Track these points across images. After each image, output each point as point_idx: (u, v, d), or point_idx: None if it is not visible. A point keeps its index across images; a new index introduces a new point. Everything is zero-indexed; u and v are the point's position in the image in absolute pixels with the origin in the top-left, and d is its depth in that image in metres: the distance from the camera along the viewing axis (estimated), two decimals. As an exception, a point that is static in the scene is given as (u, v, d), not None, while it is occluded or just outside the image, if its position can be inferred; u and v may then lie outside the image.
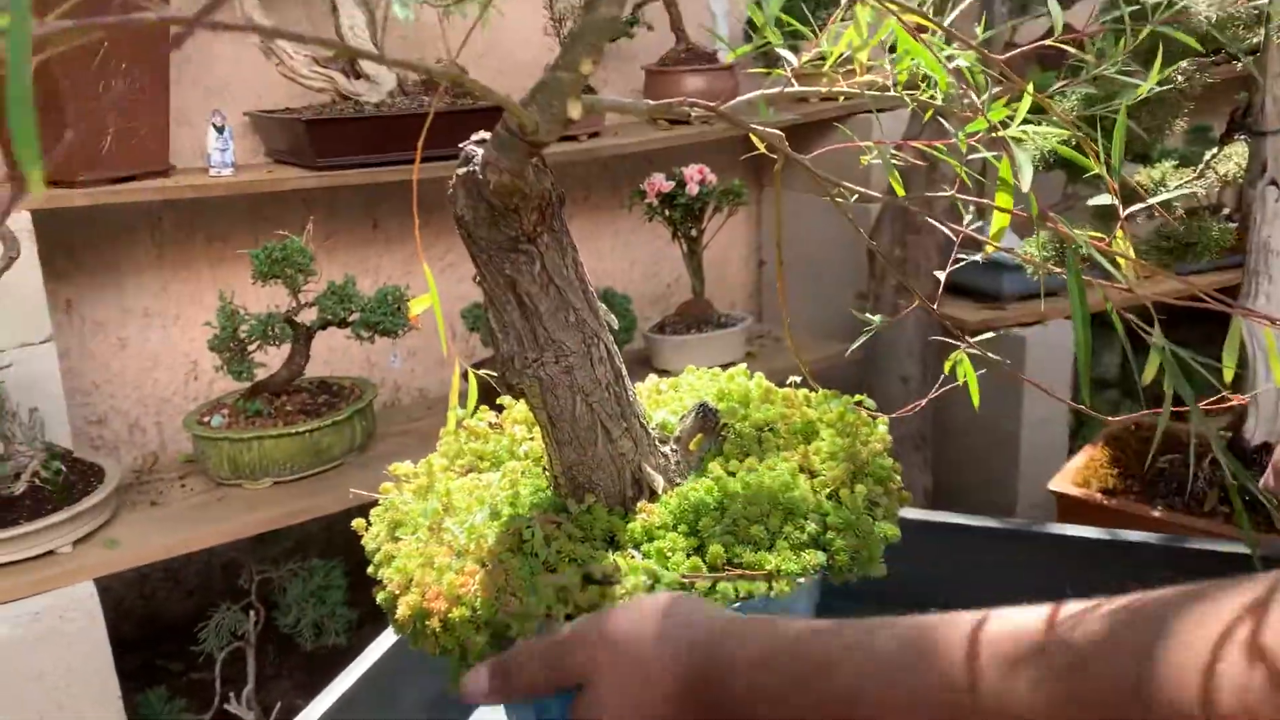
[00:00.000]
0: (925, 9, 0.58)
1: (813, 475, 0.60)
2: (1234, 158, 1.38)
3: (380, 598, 0.58)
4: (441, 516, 0.60)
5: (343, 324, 1.62)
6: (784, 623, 0.47)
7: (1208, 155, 1.41)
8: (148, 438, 2.16)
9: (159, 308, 2.12)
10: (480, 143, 0.55)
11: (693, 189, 1.86)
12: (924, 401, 0.75)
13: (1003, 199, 0.53)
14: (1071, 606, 0.38)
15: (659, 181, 1.87)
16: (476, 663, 0.52)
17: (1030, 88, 0.53)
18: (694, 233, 1.93)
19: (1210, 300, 0.56)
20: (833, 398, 0.68)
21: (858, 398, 0.69)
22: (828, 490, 0.59)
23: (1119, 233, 0.53)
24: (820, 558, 0.55)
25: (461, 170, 0.55)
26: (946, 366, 0.69)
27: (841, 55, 0.56)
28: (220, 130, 1.86)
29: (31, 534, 1.41)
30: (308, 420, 1.62)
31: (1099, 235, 0.52)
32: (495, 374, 0.62)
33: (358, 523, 0.63)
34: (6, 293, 1.56)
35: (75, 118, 1.72)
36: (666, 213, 1.89)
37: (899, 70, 0.58)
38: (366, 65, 2.00)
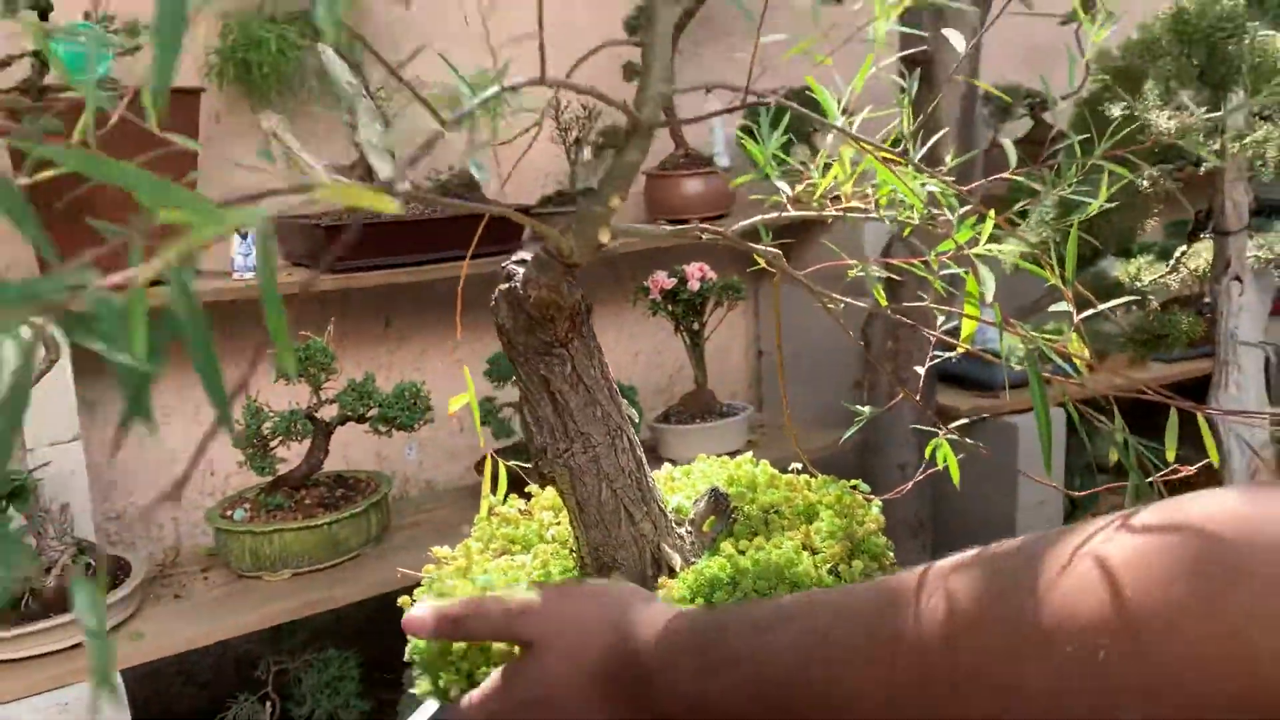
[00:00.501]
0: (903, 144, 0.67)
1: (814, 552, 0.67)
2: (1202, 253, 1.48)
3: (419, 685, 0.64)
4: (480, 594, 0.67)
5: (361, 419, 1.70)
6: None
7: (1178, 252, 1.50)
8: (164, 533, 2.21)
9: (178, 406, 2.20)
10: (520, 262, 0.63)
11: (694, 285, 1.95)
12: (909, 485, 0.82)
13: (970, 308, 0.61)
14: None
15: (662, 279, 1.97)
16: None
17: (992, 213, 0.62)
18: (696, 326, 2.02)
19: (1161, 395, 0.63)
20: (831, 482, 0.75)
21: (853, 482, 0.77)
22: (828, 566, 0.66)
23: (1073, 335, 0.61)
24: (823, 625, 0.62)
25: (504, 286, 0.63)
26: (927, 452, 0.76)
27: (830, 186, 0.65)
28: (244, 237, 1.96)
29: (61, 627, 1.46)
30: (326, 513, 1.68)
31: (1055, 335, 0.60)
32: (525, 464, 0.69)
33: (404, 600, 0.69)
34: (39, 392, 1.64)
35: (110, 218, 1.82)
36: (669, 308, 1.98)
37: (880, 195, 0.67)
38: (381, 171, 2.11)
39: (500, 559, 0.72)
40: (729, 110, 0.67)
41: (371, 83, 2.11)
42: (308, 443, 1.71)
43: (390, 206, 0.33)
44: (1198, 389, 1.55)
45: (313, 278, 2.00)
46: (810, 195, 0.67)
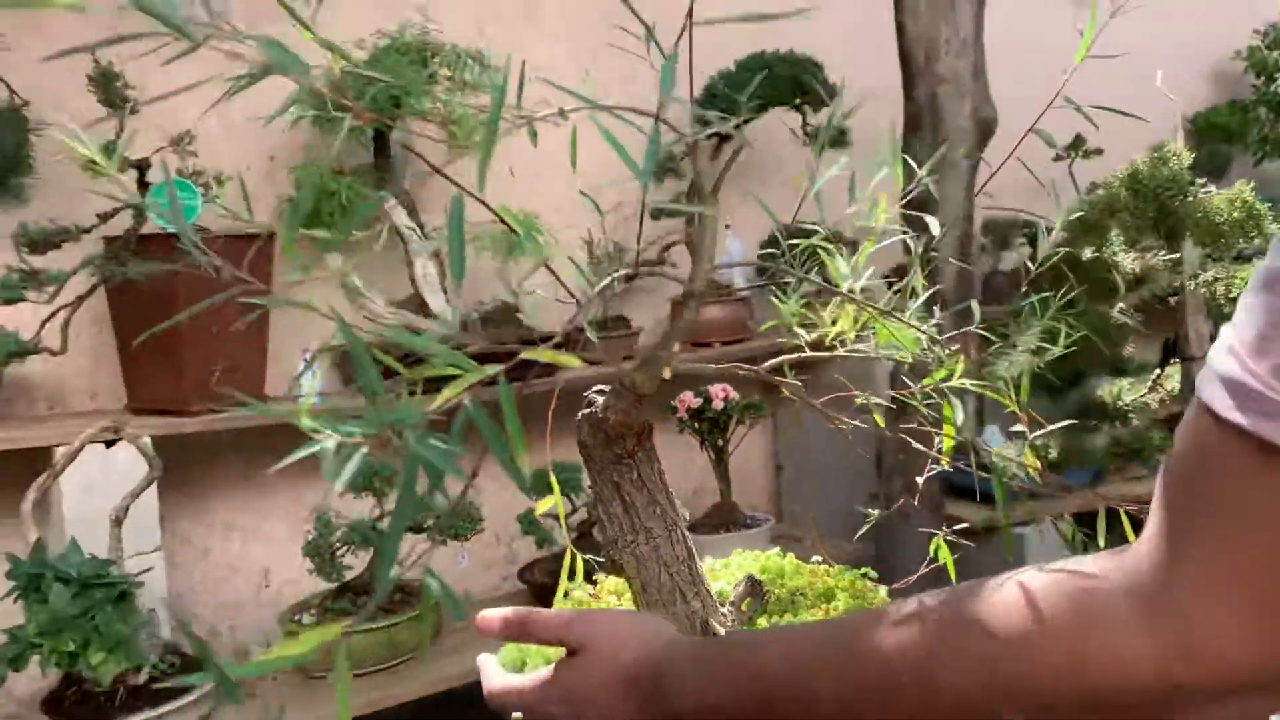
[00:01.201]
0: (904, 288, 0.86)
1: (832, 622, 0.84)
2: (1174, 376, 1.66)
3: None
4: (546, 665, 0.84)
5: (419, 530, 1.87)
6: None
7: (1152, 375, 1.69)
8: (221, 642, 2.36)
9: (240, 522, 2.37)
10: (600, 392, 0.82)
11: (718, 404, 2.14)
12: (915, 577, 0.99)
13: (948, 429, 0.80)
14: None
15: (689, 398, 2.16)
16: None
17: (961, 359, 0.81)
18: (720, 443, 2.20)
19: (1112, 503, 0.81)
20: (846, 570, 0.92)
21: (863, 570, 0.94)
22: (843, 633, 0.83)
23: (1028, 454, 0.79)
24: (840, 678, 0.78)
25: (586, 410, 0.82)
26: (931, 549, 0.93)
27: (839, 333, 0.84)
28: (309, 364, 2.17)
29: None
30: (387, 617, 1.84)
31: (1010, 456, 0.78)
32: (600, 557, 0.87)
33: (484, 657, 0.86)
34: (136, 510, 1.82)
35: (191, 358, 2.03)
36: (695, 425, 2.17)
37: (879, 339, 0.86)
38: (434, 304, 2.33)
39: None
40: (764, 266, 0.86)
41: (428, 226, 2.35)
42: (371, 552, 1.88)
43: (573, 361, 0.52)
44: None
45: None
46: (823, 338, 0.86)
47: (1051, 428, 0.82)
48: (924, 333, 0.81)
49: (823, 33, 2.80)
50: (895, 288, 0.89)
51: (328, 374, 2.34)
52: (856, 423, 0.87)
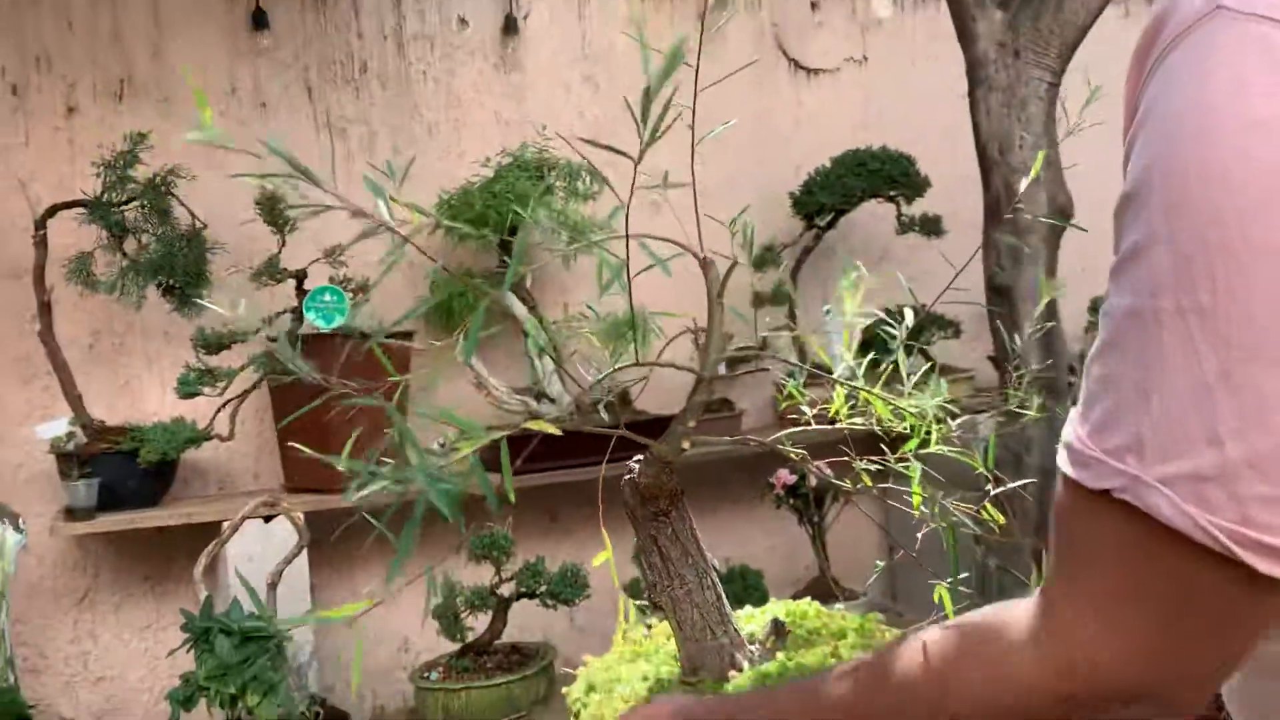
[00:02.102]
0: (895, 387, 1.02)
1: (838, 657, 0.98)
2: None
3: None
4: (614, 682, 1.01)
5: (532, 595, 2.06)
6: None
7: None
8: (365, 704, 2.60)
9: (381, 593, 2.62)
10: (637, 461, 1.00)
11: (812, 481, 2.28)
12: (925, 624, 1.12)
13: (916, 489, 0.94)
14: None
15: (785, 475, 2.30)
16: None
17: (936, 427, 0.95)
18: (816, 518, 2.32)
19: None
20: (859, 615, 1.07)
21: (873, 615, 1.08)
22: (847, 665, 0.97)
23: (986, 505, 0.92)
24: (837, 701, 0.93)
25: (627, 476, 1.00)
26: (935, 595, 1.06)
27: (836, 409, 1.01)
28: (441, 447, 2.41)
29: (299, 761, 1.84)
30: (505, 675, 2.03)
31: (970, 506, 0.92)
32: (644, 600, 1.04)
33: (566, 689, 1.04)
34: (287, 575, 2.08)
35: (338, 442, 2.30)
36: (791, 501, 2.30)
37: (878, 415, 1.02)
38: (551, 390, 2.56)
39: (633, 663, 1.06)
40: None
41: (545, 319, 2.59)
42: (489, 615, 2.08)
43: (553, 429, 0.71)
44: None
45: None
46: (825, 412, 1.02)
47: (1013, 485, 0.95)
48: (903, 408, 0.96)
49: (914, 129, 2.97)
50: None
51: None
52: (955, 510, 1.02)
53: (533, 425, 0.75)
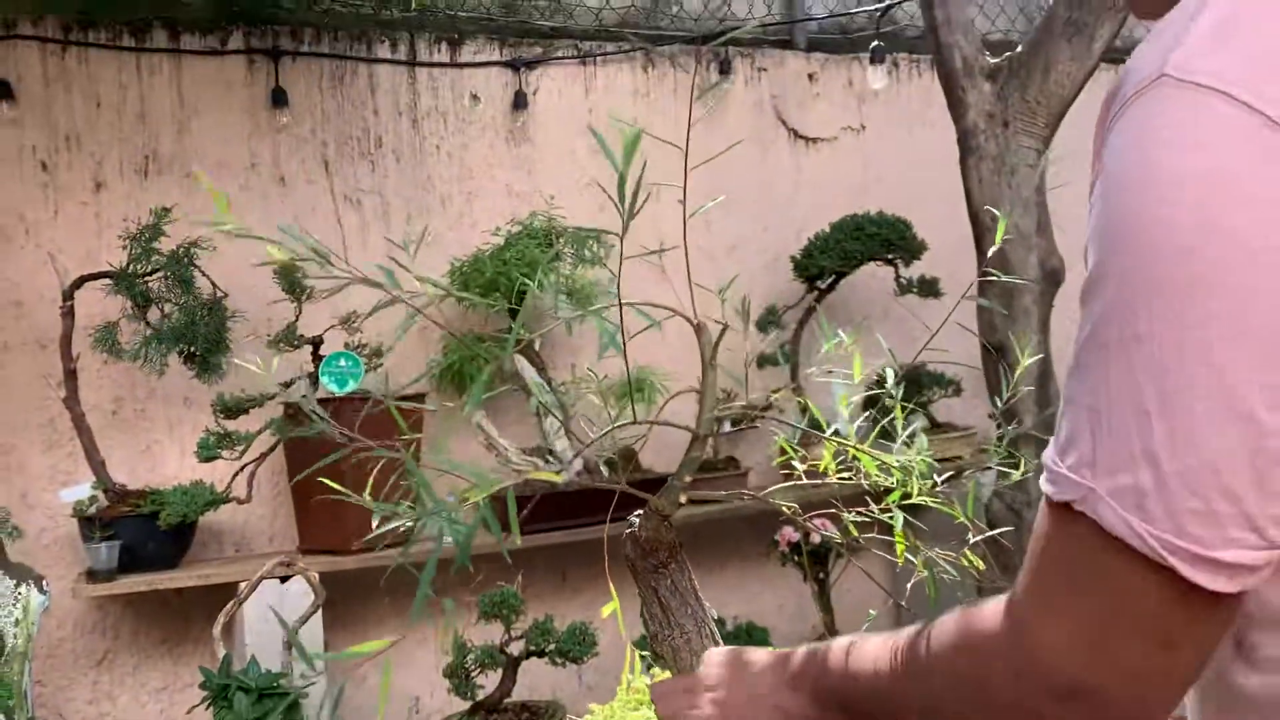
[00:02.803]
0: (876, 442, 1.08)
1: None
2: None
3: None
4: (618, 728, 1.06)
5: (541, 654, 2.10)
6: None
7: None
8: (377, 759, 2.62)
9: (394, 653, 2.65)
10: (638, 516, 1.06)
11: (816, 538, 2.32)
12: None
13: (900, 538, 1.00)
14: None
15: (788, 533, 2.35)
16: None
17: (918, 484, 1.01)
18: (821, 575, 2.36)
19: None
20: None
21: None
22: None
23: (966, 551, 0.98)
24: None
25: (629, 530, 1.06)
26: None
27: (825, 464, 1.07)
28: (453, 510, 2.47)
29: (312, 818, 1.87)
30: (515, 732, 2.06)
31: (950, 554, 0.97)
32: (646, 649, 1.09)
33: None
34: (303, 634, 2.13)
35: (352, 505, 2.36)
36: (796, 558, 2.34)
37: (867, 470, 1.08)
38: (558, 449, 2.62)
39: (634, 712, 1.11)
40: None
41: (554, 380, 2.66)
42: (499, 674, 2.11)
43: (555, 478, 0.77)
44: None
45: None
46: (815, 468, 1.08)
47: (988, 533, 1.00)
48: (889, 463, 1.02)
49: (911, 194, 3.06)
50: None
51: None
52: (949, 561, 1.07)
53: (536, 476, 0.81)
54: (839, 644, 0.81)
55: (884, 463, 1.04)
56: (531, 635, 2.09)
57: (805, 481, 1.10)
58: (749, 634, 2.29)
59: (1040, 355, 2.26)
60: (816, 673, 0.82)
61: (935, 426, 2.85)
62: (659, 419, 1.02)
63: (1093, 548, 0.57)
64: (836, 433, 1.06)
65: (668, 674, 1.19)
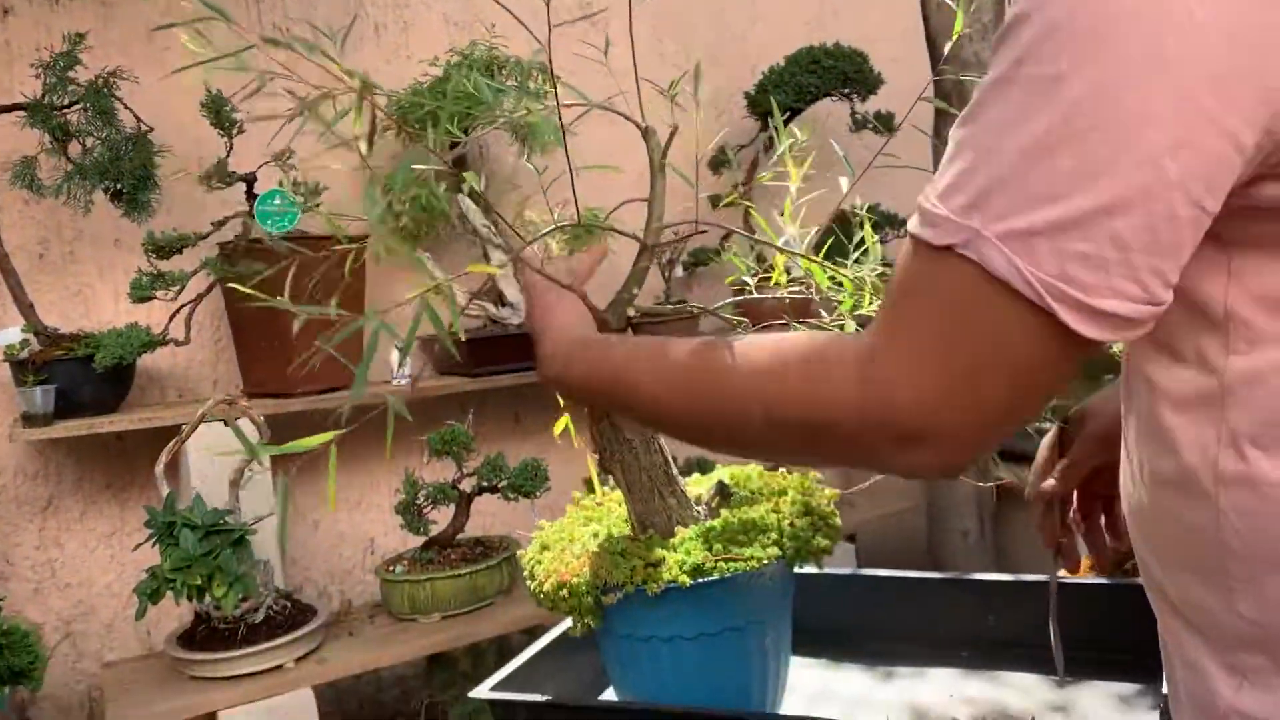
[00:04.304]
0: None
1: (778, 513, 1.03)
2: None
3: (532, 587, 1.02)
4: (567, 542, 1.05)
5: (494, 490, 2.10)
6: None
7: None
8: (333, 604, 2.65)
9: (344, 496, 2.65)
10: (583, 332, 1.03)
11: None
12: (855, 490, 1.17)
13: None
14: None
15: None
16: (589, 610, 0.96)
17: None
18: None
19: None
20: (799, 474, 1.12)
21: (812, 474, 1.12)
22: (787, 521, 1.02)
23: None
24: (777, 552, 0.97)
25: (574, 346, 1.03)
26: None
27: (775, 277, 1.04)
28: (401, 351, 2.43)
29: (268, 651, 1.88)
30: (468, 566, 2.08)
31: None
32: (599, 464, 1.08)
33: (520, 552, 1.08)
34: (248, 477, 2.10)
35: (296, 347, 2.31)
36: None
37: (819, 284, 1.05)
38: (509, 294, 2.58)
39: (584, 526, 1.10)
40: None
41: (501, 224, 2.59)
42: (453, 510, 2.12)
43: (494, 270, 0.73)
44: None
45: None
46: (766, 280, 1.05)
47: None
48: (843, 275, 0.99)
49: (867, 25, 2.96)
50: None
51: (418, 359, 2.60)
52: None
53: (474, 269, 0.77)
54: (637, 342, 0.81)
55: (836, 275, 1.01)
56: (483, 472, 2.09)
57: (756, 296, 1.07)
58: (699, 466, 2.31)
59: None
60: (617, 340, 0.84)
61: (889, 266, 2.83)
62: (608, 228, 0.97)
63: (970, 292, 0.55)
64: (788, 243, 1.03)
65: (617, 493, 1.18)
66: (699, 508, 1.08)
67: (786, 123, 2.89)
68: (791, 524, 1.01)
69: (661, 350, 0.75)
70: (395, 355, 2.43)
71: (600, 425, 1.04)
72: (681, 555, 0.97)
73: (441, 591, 2.05)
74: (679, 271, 2.89)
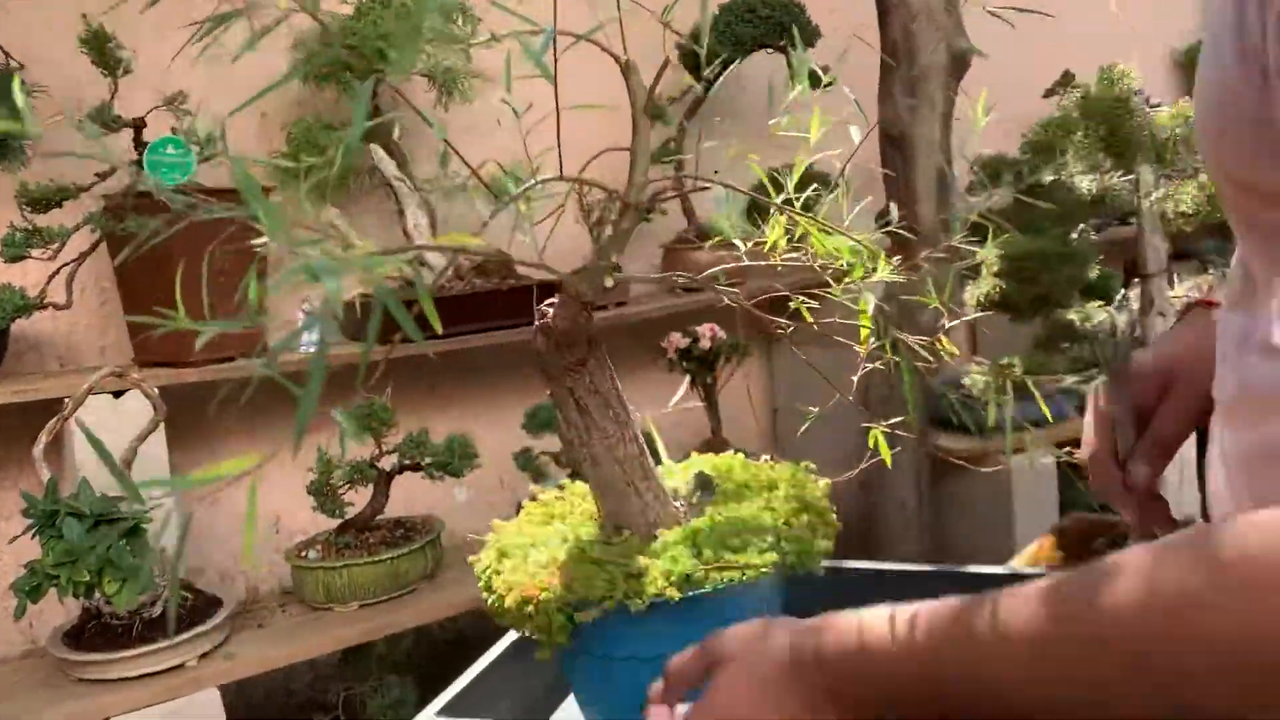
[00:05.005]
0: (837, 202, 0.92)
1: (771, 511, 0.91)
2: (1139, 297, 1.71)
3: (491, 601, 0.88)
4: (529, 547, 0.91)
5: (417, 468, 1.94)
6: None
7: (1118, 296, 1.74)
8: (236, 585, 2.45)
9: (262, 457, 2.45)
10: (550, 305, 0.88)
11: (705, 344, 2.21)
12: (849, 475, 1.06)
13: (864, 318, 0.86)
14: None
15: (677, 338, 2.22)
16: (560, 629, 0.82)
17: (883, 256, 0.87)
18: (709, 381, 2.26)
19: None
20: (788, 465, 0.99)
21: (805, 463, 1.00)
22: (782, 519, 0.89)
23: (942, 338, 0.85)
24: (774, 557, 0.85)
25: (540, 321, 0.88)
26: (871, 440, 0.99)
27: (777, 241, 0.90)
28: (307, 314, 2.24)
29: (167, 649, 1.70)
30: (388, 550, 1.92)
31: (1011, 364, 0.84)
32: (558, 455, 0.94)
33: (472, 559, 0.94)
34: (141, 452, 1.90)
35: (191, 310, 2.10)
36: (684, 365, 2.23)
37: (817, 249, 0.92)
38: (427, 255, 2.40)
39: (544, 527, 0.96)
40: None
41: (417, 177, 2.40)
42: (371, 490, 1.95)
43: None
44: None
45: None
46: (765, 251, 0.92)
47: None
48: (856, 240, 0.87)
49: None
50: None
51: (326, 326, 2.40)
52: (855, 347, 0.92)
53: (455, 238, 0.62)
54: (932, 613, 0.58)
55: (833, 242, 0.89)
56: (404, 449, 1.92)
57: (750, 263, 0.93)
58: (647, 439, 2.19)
59: (943, 145, 2.14)
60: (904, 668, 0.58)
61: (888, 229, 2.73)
62: (582, 181, 0.83)
63: None
64: (789, 203, 0.90)
65: (578, 486, 1.05)
66: (679, 502, 0.95)
67: (719, 76, 2.76)
68: (788, 523, 0.89)
69: (1004, 631, 0.52)
70: (301, 319, 2.24)
71: (567, 413, 0.90)
72: (667, 564, 0.84)
73: (360, 578, 1.89)
74: (608, 232, 2.74)
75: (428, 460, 1.93)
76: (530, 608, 0.84)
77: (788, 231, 0.91)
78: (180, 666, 1.73)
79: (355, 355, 2.18)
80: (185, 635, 1.72)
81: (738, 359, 2.26)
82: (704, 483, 0.96)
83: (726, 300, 1.02)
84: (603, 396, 0.90)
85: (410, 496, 2.44)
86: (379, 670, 2.09)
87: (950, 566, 1.15)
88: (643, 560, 0.85)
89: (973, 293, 1.68)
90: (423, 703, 2.09)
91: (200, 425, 2.36)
